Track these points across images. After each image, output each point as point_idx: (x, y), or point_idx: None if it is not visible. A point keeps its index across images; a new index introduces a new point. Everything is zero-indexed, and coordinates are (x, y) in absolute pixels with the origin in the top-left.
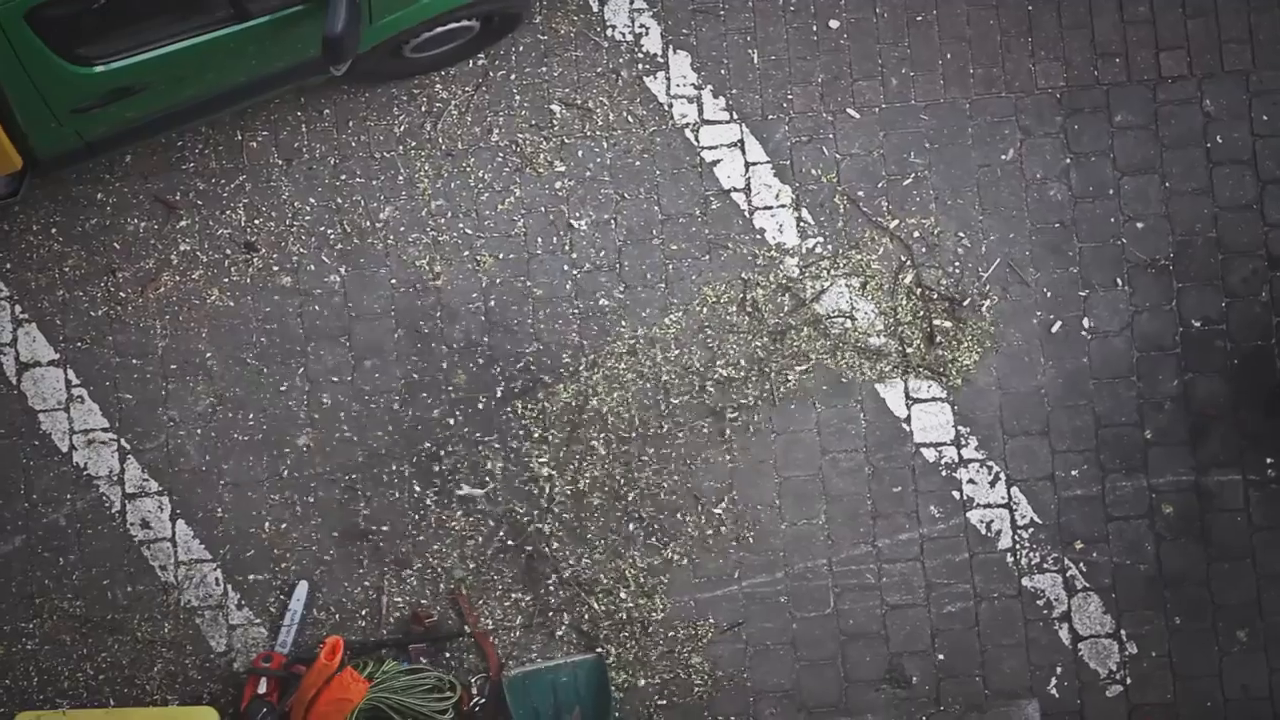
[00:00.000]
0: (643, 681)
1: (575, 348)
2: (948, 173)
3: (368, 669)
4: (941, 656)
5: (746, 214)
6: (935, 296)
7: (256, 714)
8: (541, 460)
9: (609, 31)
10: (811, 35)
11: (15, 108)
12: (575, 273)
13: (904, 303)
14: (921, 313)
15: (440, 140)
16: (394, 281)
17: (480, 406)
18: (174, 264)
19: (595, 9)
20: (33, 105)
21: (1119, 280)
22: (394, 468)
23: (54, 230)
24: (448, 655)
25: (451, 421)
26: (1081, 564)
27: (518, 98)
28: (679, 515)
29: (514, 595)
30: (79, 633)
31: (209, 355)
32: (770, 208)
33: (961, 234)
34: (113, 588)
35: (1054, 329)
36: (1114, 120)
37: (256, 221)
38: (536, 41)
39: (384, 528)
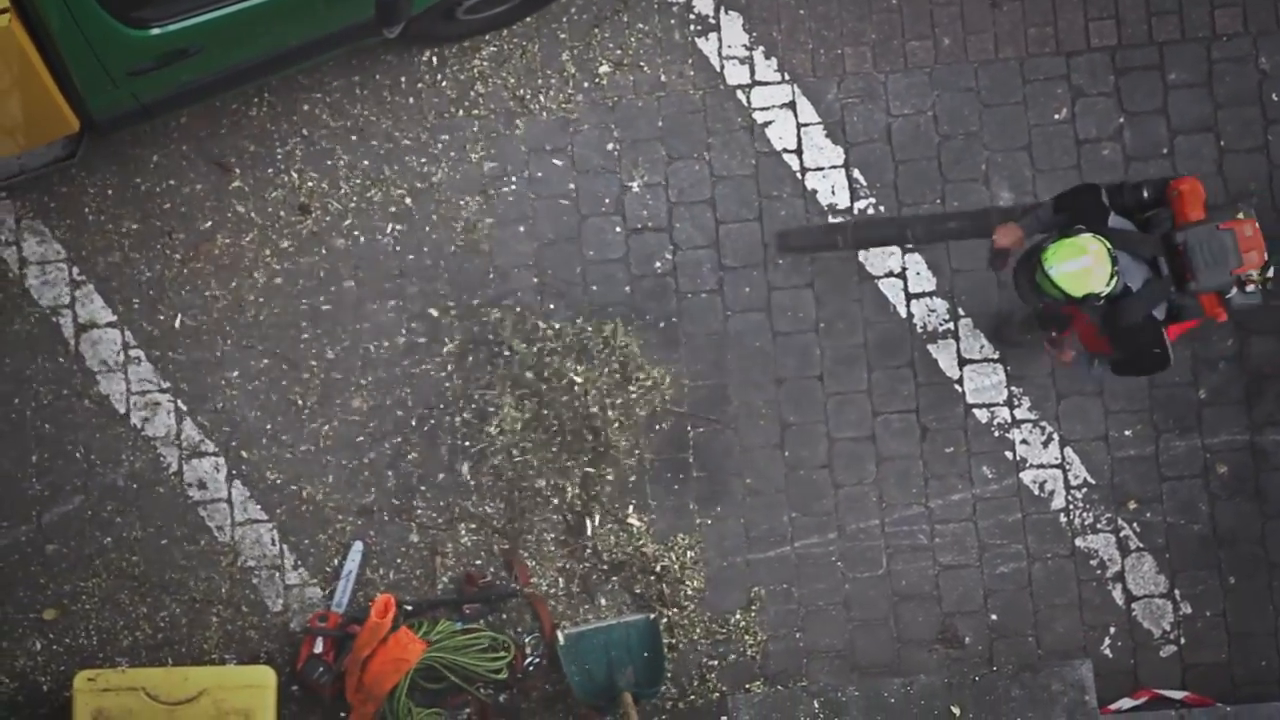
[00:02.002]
0: (694, 641)
1: (628, 310)
2: (1000, 132)
3: (423, 629)
4: (994, 617)
5: (798, 175)
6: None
7: (313, 673)
8: (593, 422)
9: None
10: None
11: (72, 71)
12: (627, 235)
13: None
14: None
15: (492, 102)
16: (446, 244)
17: (533, 367)
18: (228, 225)
19: None
20: (90, 68)
21: None
22: (447, 427)
23: (110, 192)
24: (503, 616)
25: (500, 383)
26: (1135, 524)
27: (569, 60)
28: (731, 477)
29: (563, 560)
30: (137, 592)
31: (263, 317)
32: (822, 169)
33: (1012, 195)
34: (170, 548)
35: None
36: (1168, 78)
37: (309, 184)
38: (588, 3)
39: (437, 487)
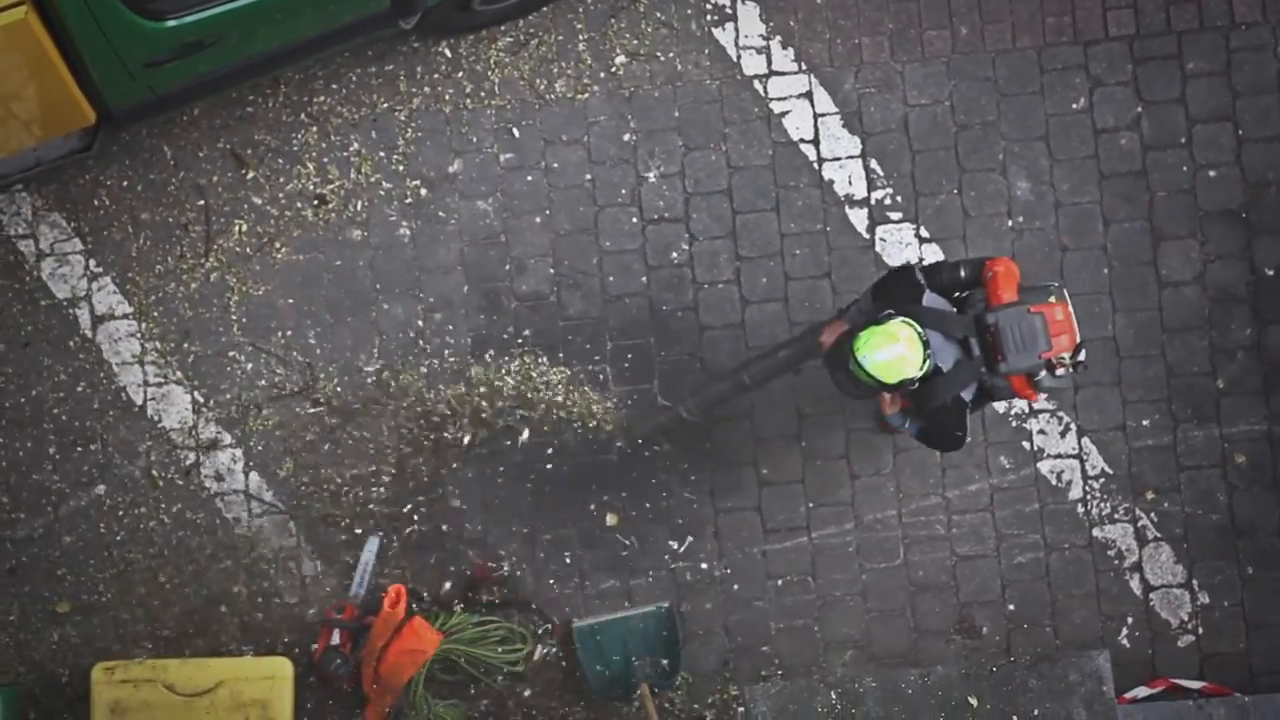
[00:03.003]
0: (712, 632)
1: (643, 301)
2: (1018, 122)
3: (439, 620)
4: (1012, 607)
5: (815, 165)
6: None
7: (330, 664)
8: (607, 415)
9: None
10: None
11: (89, 62)
12: (643, 225)
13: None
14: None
15: (508, 93)
16: (463, 235)
17: (547, 359)
18: (245, 216)
19: None
20: (106, 59)
21: (1191, 229)
22: (462, 420)
23: (126, 184)
24: (517, 615)
25: (519, 375)
26: (1153, 514)
27: (585, 50)
28: (744, 466)
29: (575, 548)
30: (154, 584)
31: (279, 308)
32: (839, 159)
33: (1029, 185)
34: (187, 540)
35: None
36: (1186, 67)
37: (326, 175)
38: None
39: (453, 479)
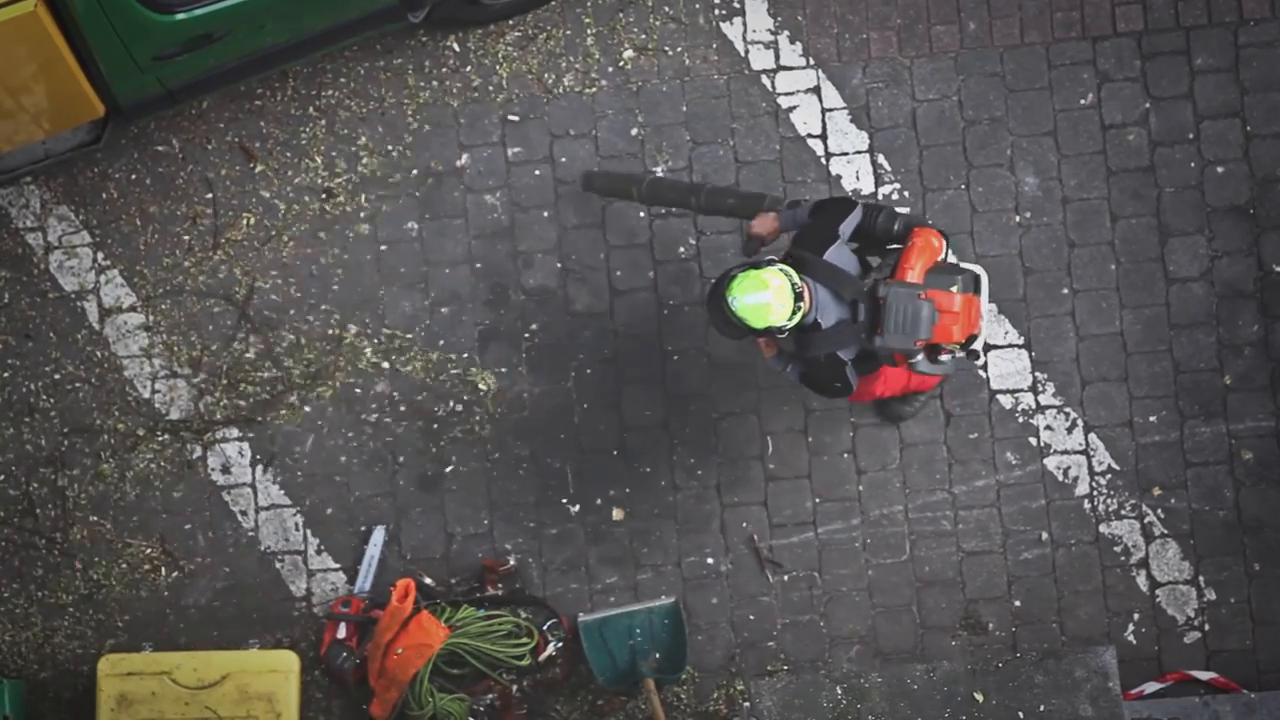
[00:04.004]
0: (718, 626)
1: (649, 295)
2: (1025, 118)
3: (445, 614)
4: (1018, 603)
5: (823, 160)
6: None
7: (336, 658)
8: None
9: None
10: None
11: (98, 55)
12: (651, 220)
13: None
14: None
15: (516, 87)
16: (470, 229)
17: (554, 354)
18: (253, 210)
19: None
20: (115, 53)
21: (1198, 225)
22: (472, 415)
23: (135, 177)
24: (523, 610)
25: (527, 369)
26: (1159, 510)
27: (593, 44)
28: (750, 462)
29: (581, 541)
30: (161, 576)
31: (287, 301)
32: (847, 154)
33: (1037, 180)
34: (194, 532)
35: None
36: (1194, 64)
37: (334, 169)
38: None
39: (461, 474)
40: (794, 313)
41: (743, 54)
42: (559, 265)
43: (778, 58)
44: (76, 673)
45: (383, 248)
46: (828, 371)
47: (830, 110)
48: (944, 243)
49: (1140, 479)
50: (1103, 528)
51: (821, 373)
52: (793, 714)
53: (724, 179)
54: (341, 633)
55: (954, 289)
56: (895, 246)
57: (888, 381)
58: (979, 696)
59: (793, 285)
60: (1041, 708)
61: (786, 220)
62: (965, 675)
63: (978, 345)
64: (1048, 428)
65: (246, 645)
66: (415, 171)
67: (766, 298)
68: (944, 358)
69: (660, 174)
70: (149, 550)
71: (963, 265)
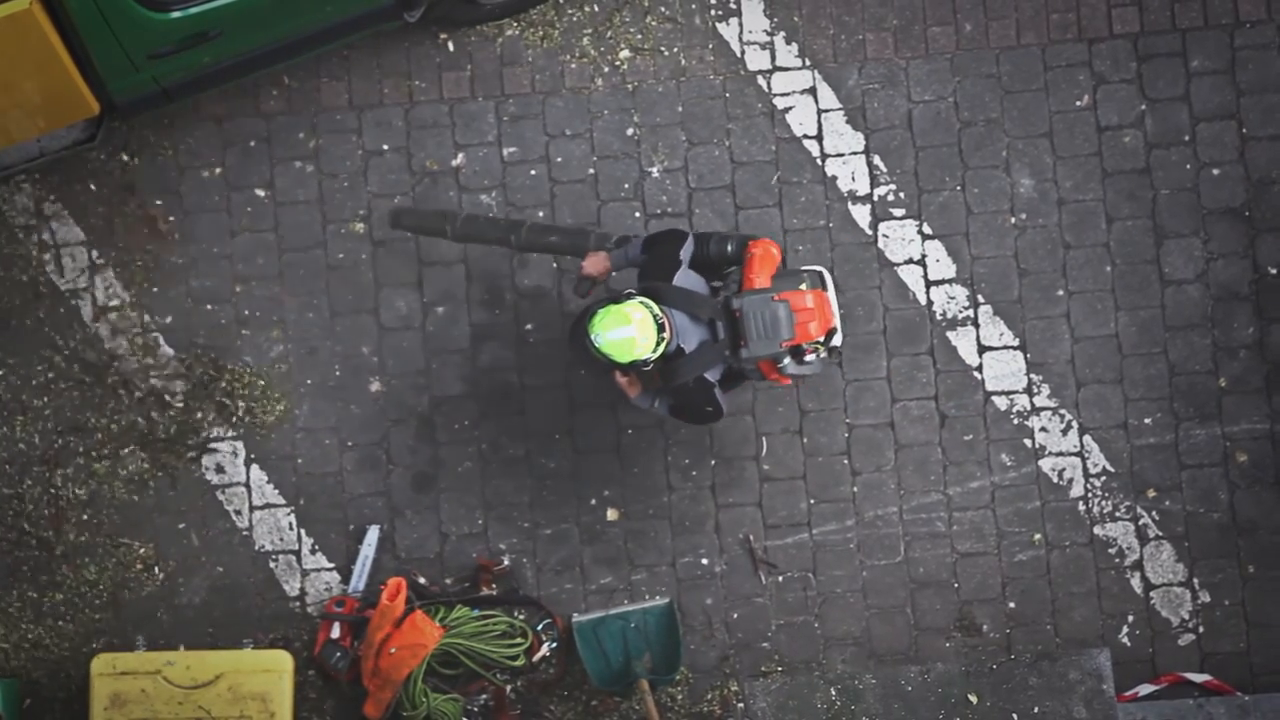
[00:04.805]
0: (712, 627)
1: None
2: (1021, 119)
3: (439, 614)
4: (1012, 605)
5: (818, 161)
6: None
7: (330, 658)
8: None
9: None
10: None
11: (93, 53)
12: (646, 220)
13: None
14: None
15: (511, 87)
16: None
17: (550, 353)
18: (249, 209)
19: None
20: (110, 51)
21: (1194, 227)
22: (465, 414)
23: (130, 175)
24: (517, 610)
25: (521, 370)
26: (1154, 512)
27: (589, 44)
28: (745, 463)
29: (576, 541)
30: (155, 575)
31: (283, 301)
32: (842, 155)
33: (1033, 182)
34: (188, 532)
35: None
36: (1190, 65)
37: (330, 168)
38: None
39: (455, 473)
40: (658, 344)
41: (739, 54)
42: (554, 265)
43: (774, 58)
44: (70, 672)
45: (378, 248)
46: (698, 397)
47: (826, 111)
48: (780, 250)
49: (1135, 481)
50: (1097, 530)
51: (691, 399)
52: (787, 715)
53: (719, 179)
54: (335, 632)
55: (803, 287)
56: (733, 268)
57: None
58: (973, 698)
59: (655, 317)
60: (1035, 709)
61: (618, 258)
62: (959, 677)
63: (837, 340)
64: (1043, 429)
65: (240, 645)
66: (411, 171)
67: (630, 332)
68: (809, 358)
69: (474, 212)
70: (142, 550)
71: (803, 269)
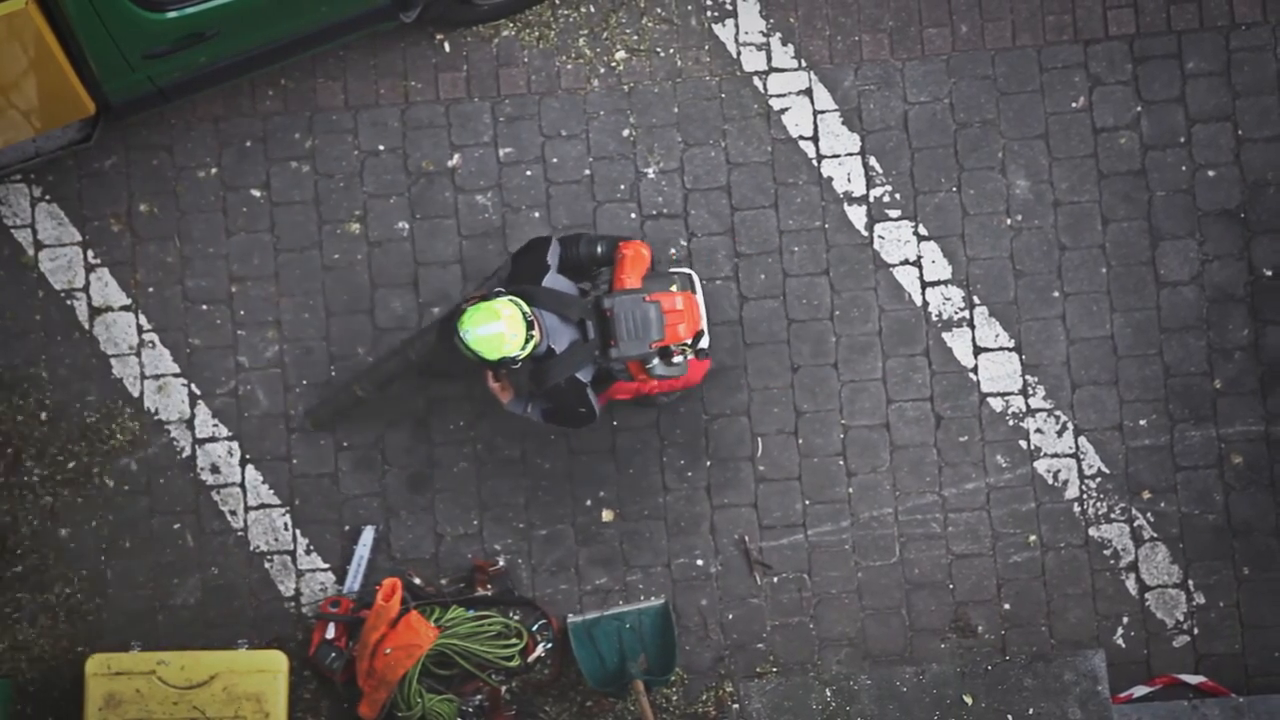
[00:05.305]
0: (707, 628)
1: None
2: (1017, 121)
3: (434, 615)
4: (1007, 606)
5: (814, 162)
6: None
7: (325, 658)
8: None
9: None
10: None
11: (89, 53)
12: (642, 221)
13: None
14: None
15: (507, 87)
16: (461, 229)
17: None
18: (244, 210)
19: None
20: (106, 51)
21: (1189, 229)
22: (461, 414)
23: (125, 176)
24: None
25: None
26: (1149, 514)
27: (585, 45)
28: (740, 463)
29: (571, 542)
30: (149, 576)
31: (278, 302)
32: (838, 156)
33: (1028, 183)
34: (183, 532)
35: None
36: (1186, 67)
37: (326, 168)
38: None
39: (451, 474)
40: (527, 340)
41: (735, 55)
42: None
43: (770, 59)
44: (64, 672)
45: (373, 248)
46: (570, 398)
47: (822, 112)
48: (651, 251)
49: (1130, 482)
50: (1092, 531)
51: (564, 400)
52: (782, 716)
53: (715, 180)
54: (330, 633)
55: (673, 288)
56: (603, 270)
57: (615, 398)
58: (968, 699)
59: (524, 314)
60: (1030, 710)
61: (493, 284)
62: (954, 678)
63: (704, 343)
64: (1038, 431)
65: (235, 645)
66: (406, 172)
67: (500, 328)
68: (677, 359)
69: (370, 365)
70: (137, 549)
71: (672, 271)
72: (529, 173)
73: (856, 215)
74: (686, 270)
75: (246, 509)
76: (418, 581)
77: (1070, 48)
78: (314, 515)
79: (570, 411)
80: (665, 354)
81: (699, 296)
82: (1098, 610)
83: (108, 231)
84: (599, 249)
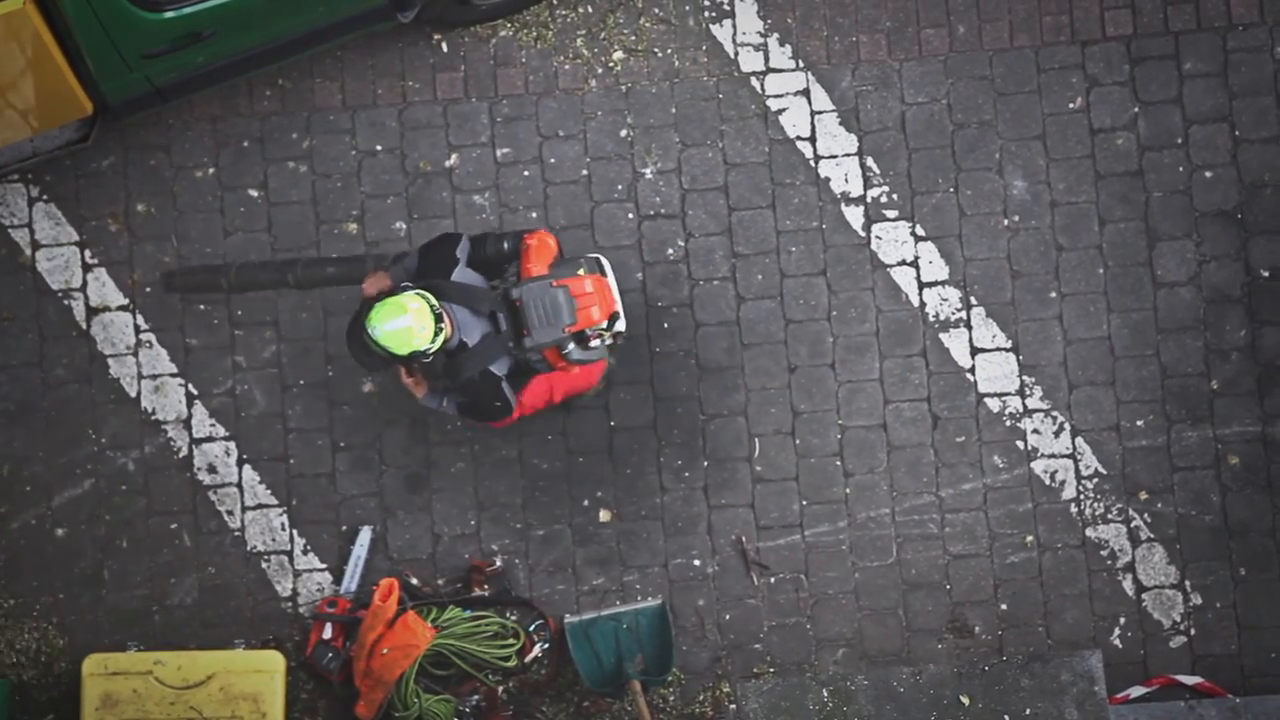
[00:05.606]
0: (704, 629)
1: (638, 297)
2: (1014, 121)
3: (431, 615)
4: (1004, 606)
5: (811, 163)
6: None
7: (322, 659)
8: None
9: None
10: None
11: (86, 53)
12: (639, 221)
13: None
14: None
15: (505, 88)
16: (459, 229)
17: None
18: (242, 209)
19: None
20: (103, 51)
21: (1186, 230)
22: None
23: (123, 176)
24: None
25: None
26: (1146, 515)
27: (583, 45)
28: (737, 464)
29: (568, 543)
30: (147, 575)
31: (275, 302)
32: (835, 156)
33: (1026, 184)
34: (180, 532)
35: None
36: (1183, 68)
37: (323, 168)
38: None
39: (448, 474)
40: (436, 334)
41: (732, 56)
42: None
43: (767, 60)
44: (61, 672)
45: (371, 248)
46: (485, 391)
47: (819, 113)
48: (556, 240)
49: (1127, 483)
50: (1089, 532)
51: (479, 393)
52: (779, 716)
53: (713, 181)
54: (327, 633)
55: (581, 272)
56: (513, 264)
57: (536, 392)
58: (965, 699)
59: (431, 306)
60: (1027, 711)
61: (397, 273)
62: (951, 678)
63: (621, 325)
64: (1035, 431)
65: (232, 645)
66: (404, 172)
67: (407, 321)
68: (594, 343)
69: (248, 260)
70: (134, 549)
71: (580, 257)
72: (526, 173)
73: (854, 216)
74: (596, 255)
75: (244, 509)
76: (415, 581)
77: (1068, 48)
78: (311, 515)
79: (485, 405)
80: (581, 338)
81: (610, 279)
82: (1094, 611)
83: (105, 231)
84: (506, 245)
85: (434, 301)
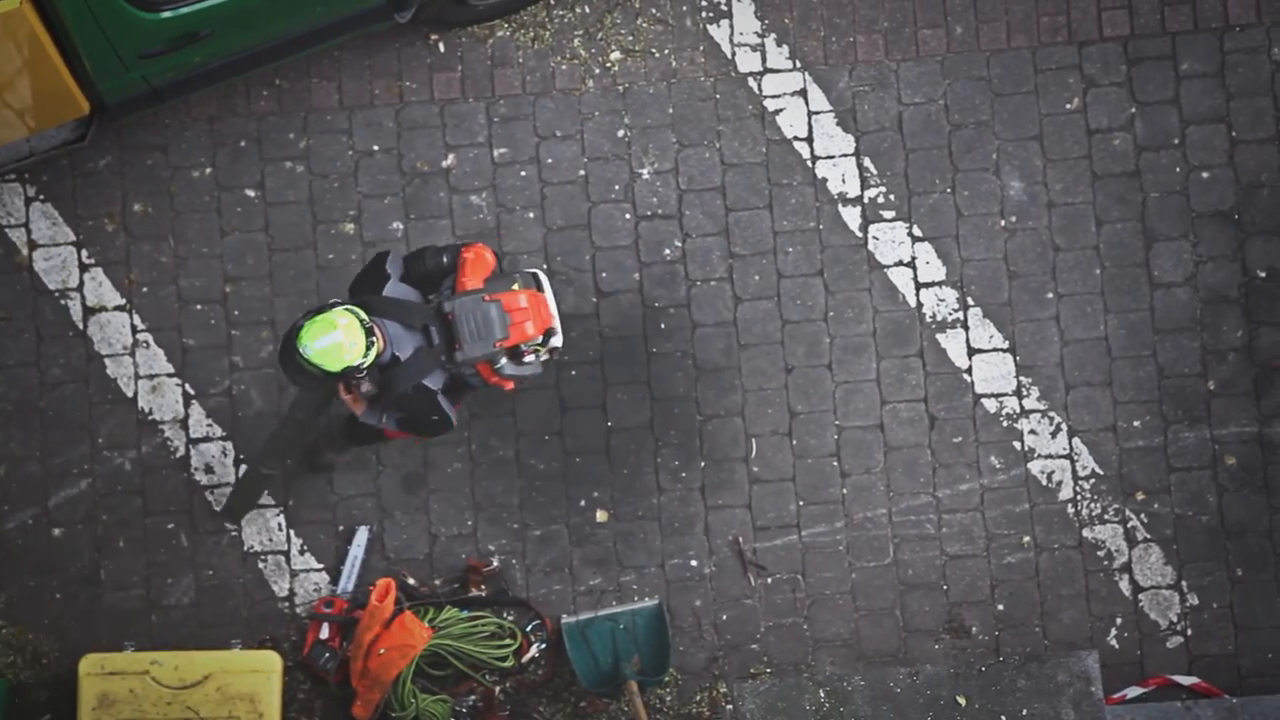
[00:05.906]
0: (701, 629)
1: (635, 298)
2: (1011, 122)
3: (428, 615)
4: (1001, 607)
5: (809, 163)
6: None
7: (319, 659)
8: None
9: None
10: None
11: (83, 53)
12: (636, 221)
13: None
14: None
15: (502, 88)
16: (456, 229)
17: None
18: (239, 209)
19: None
20: (100, 51)
21: (1183, 230)
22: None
23: (120, 176)
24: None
25: None
26: (1143, 515)
27: (580, 45)
28: (734, 464)
29: (565, 543)
30: (143, 575)
31: (273, 302)
32: (833, 157)
33: (1023, 185)
34: (177, 532)
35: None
36: (1180, 69)
37: (320, 168)
38: None
39: (445, 474)
40: (368, 348)
41: (730, 56)
42: (545, 266)
43: (764, 60)
44: (58, 672)
45: (368, 249)
46: (421, 405)
47: (817, 113)
48: (495, 255)
49: (1124, 484)
50: (1086, 532)
51: (416, 408)
52: (775, 717)
53: (710, 181)
54: (324, 633)
55: (515, 287)
56: (450, 278)
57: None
58: (961, 700)
59: (361, 321)
60: (1024, 712)
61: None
62: (948, 679)
63: (557, 341)
64: (1032, 432)
65: (229, 645)
66: (400, 170)
67: (338, 337)
68: (528, 358)
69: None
70: (131, 549)
71: (517, 272)
72: (523, 173)
73: (851, 216)
74: (533, 270)
75: None
76: (412, 582)
77: (1065, 49)
78: (308, 515)
79: (423, 419)
80: (515, 353)
81: (548, 294)
82: (1091, 611)
83: (102, 231)
84: (444, 259)
85: (364, 316)
